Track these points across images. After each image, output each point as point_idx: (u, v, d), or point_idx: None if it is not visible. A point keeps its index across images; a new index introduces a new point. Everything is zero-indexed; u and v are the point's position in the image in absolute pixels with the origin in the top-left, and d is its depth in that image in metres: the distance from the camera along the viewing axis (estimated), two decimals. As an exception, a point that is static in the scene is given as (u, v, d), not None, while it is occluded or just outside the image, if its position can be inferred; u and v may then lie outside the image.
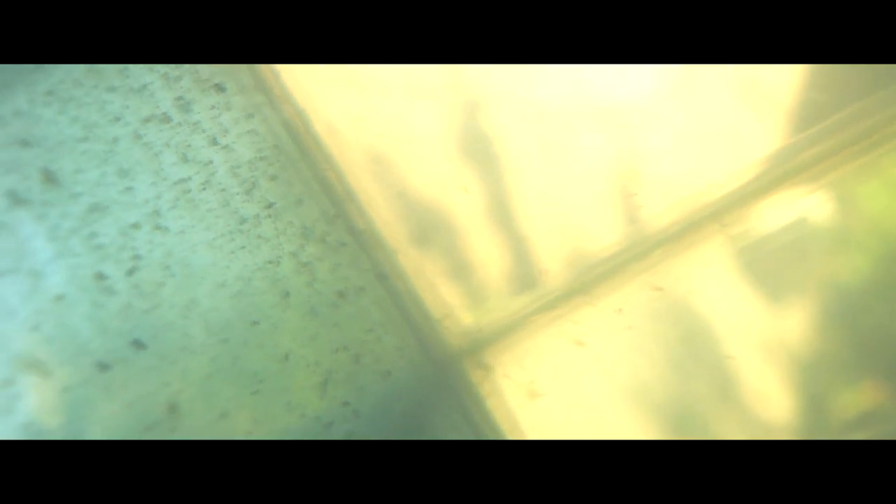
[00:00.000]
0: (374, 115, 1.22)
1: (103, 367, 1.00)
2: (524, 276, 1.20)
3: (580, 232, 1.20)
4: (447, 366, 1.17)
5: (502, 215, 1.21)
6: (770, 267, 1.16)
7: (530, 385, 1.18)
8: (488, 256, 1.20)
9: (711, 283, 1.16)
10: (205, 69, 1.13)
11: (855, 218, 1.16)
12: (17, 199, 1.01)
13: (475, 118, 1.23)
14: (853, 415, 1.14)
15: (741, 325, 1.16)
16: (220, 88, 1.17)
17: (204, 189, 1.10)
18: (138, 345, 1.02)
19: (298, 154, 1.19)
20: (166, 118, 1.10)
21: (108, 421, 0.99)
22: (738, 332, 1.16)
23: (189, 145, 1.11)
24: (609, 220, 1.18)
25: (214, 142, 1.14)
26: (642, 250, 1.18)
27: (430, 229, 1.21)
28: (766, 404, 1.15)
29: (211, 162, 1.12)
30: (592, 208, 1.18)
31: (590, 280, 1.19)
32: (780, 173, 1.17)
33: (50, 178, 1.04)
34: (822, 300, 1.15)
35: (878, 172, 1.14)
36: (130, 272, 1.04)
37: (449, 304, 1.19)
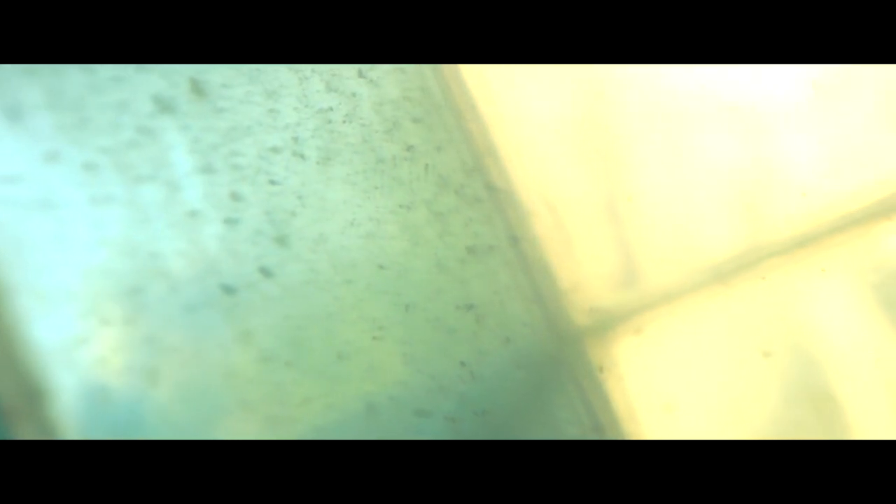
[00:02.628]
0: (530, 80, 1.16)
1: (229, 290, 0.96)
2: (663, 264, 1.14)
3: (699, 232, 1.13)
4: (569, 342, 1.12)
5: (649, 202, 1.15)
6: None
7: (650, 373, 1.13)
8: (631, 238, 1.14)
9: (829, 300, 1.09)
10: None
11: None
12: (163, 106, 0.97)
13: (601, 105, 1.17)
14: None
15: (855, 349, 1.09)
16: (373, 20, 1.12)
17: (346, 122, 1.05)
18: (265, 272, 0.97)
19: (444, 100, 1.14)
20: (318, 43, 1.05)
21: (226, 346, 0.95)
22: (850, 356, 1.09)
23: (335, 74, 1.06)
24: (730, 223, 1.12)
25: (361, 74, 1.09)
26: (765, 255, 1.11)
27: (569, 201, 1.16)
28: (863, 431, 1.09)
29: (355, 95, 1.07)
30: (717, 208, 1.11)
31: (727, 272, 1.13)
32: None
33: (197, 88, 0.99)
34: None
35: None
36: (265, 197, 0.99)
37: (578, 279, 1.13)
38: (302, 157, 1.01)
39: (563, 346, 1.10)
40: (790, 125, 1.06)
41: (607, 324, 1.11)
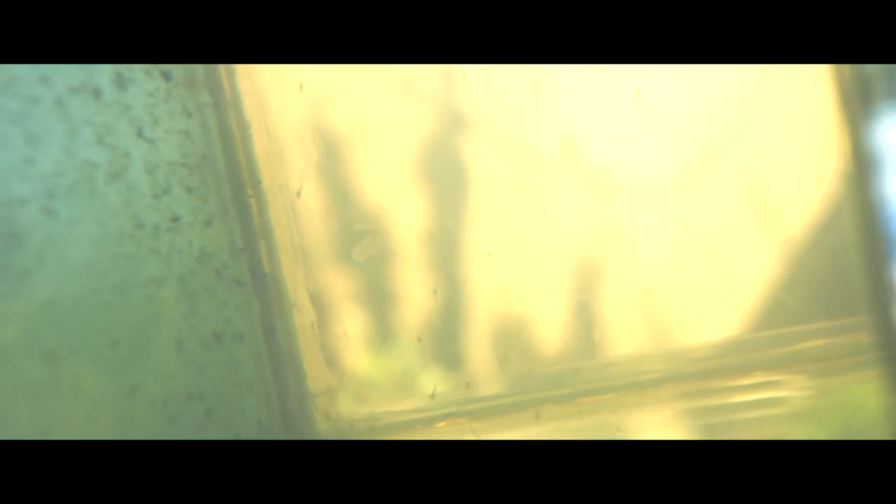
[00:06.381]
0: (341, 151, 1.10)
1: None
2: (438, 376, 1.11)
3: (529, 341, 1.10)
4: (303, 447, 1.08)
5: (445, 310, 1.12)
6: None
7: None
8: (402, 343, 1.10)
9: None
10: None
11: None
12: None
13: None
14: None
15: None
16: (166, 75, 1.05)
17: (110, 182, 0.99)
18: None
19: (226, 171, 1.08)
20: (97, 92, 0.99)
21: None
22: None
23: (111, 129, 1.00)
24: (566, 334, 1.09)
25: (140, 133, 1.02)
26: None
27: (344, 295, 1.11)
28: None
29: (128, 154, 1.01)
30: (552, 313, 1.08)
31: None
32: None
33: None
34: None
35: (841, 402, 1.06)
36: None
37: (331, 381, 1.10)
38: (51, 213, 0.95)
39: (294, 452, 1.06)
40: (647, 200, 1.03)
41: (350, 436, 1.07)
